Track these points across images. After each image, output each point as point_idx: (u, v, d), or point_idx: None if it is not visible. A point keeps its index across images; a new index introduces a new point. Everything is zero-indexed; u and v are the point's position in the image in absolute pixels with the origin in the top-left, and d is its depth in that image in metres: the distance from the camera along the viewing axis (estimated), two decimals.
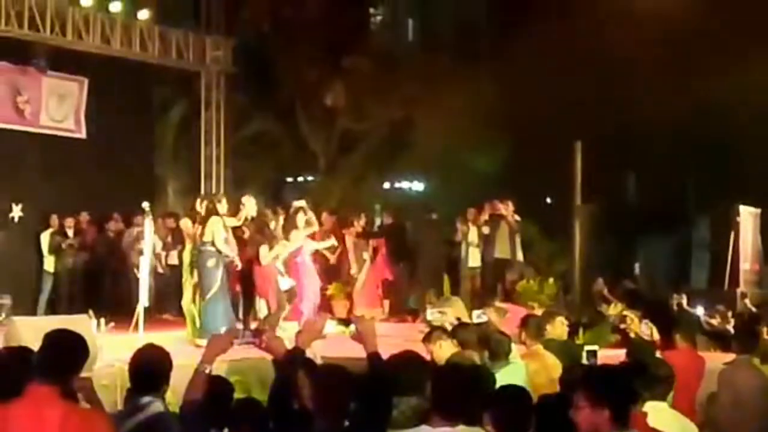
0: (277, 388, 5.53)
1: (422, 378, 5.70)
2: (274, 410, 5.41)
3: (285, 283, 14.77)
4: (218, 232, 13.80)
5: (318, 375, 5.29)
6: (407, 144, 24.62)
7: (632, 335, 10.15)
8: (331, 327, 14.25)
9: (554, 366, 8.43)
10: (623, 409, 4.77)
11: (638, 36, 19.10)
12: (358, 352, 6.09)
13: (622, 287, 18.66)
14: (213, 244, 13.79)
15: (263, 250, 14.30)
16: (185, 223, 14.66)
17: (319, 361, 6.45)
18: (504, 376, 7.61)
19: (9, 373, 5.60)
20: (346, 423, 5.14)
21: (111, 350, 12.04)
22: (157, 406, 5.61)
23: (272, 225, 14.90)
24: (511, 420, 5.03)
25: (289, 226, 15.23)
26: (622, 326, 10.33)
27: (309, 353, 6.00)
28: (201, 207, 14.45)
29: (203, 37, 20.66)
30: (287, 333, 14.48)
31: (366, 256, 17.87)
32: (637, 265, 22.40)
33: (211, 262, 13.77)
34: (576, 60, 19.96)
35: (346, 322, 15.41)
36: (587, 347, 8.58)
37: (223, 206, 14.21)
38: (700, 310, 16.41)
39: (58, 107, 19.10)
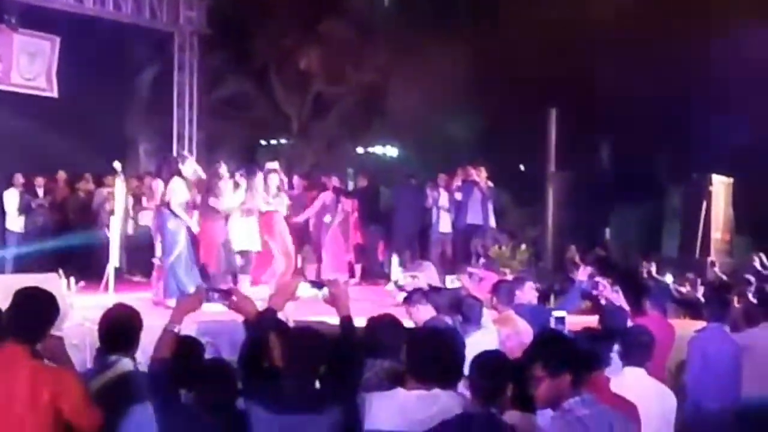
0: (248, 348, 5.50)
1: (399, 341, 5.70)
2: (244, 370, 5.38)
3: (243, 243, 14.66)
4: (177, 193, 13.68)
5: (289, 336, 5.27)
6: (381, 109, 24.56)
7: (603, 302, 10.16)
8: (304, 290, 14.16)
9: (526, 331, 8.46)
10: (582, 374, 4.78)
11: (614, 3, 19.08)
12: (331, 315, 6.07)
13: (593, 254, 18.74)
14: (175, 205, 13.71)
15: (212, 200, 14.12)
16: (155, 184, 14.51)
17: (291, 324, 6.44)
18: (476, 341, 7.64)
19: None
20: (317, 385, 5.12)
21: (81, 310, 11.99)
22: (126, 365, 5.59)
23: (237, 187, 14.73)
24: (489, 385, 5.02)
25: (265, 188, 15.18)
26: (594, 293, 10.31)
27: (281, 316, 5.97)
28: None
29: None
30: (258, 295, 14.54)
31: (329, 219, 17.72)
32: (607, 231, 22.51)
33: (172, 224, 13.65)
34: (552, 28, 19.92)
35: (319, 284, 15.35)
36: (555, 313, 8.60)
37: (187, 167, 14.08)
38: (669, 278, 16.50)
39: (30, 65, 18.92)
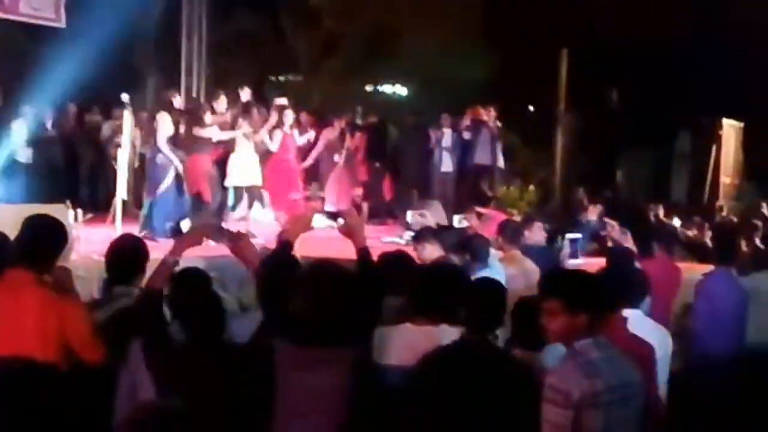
0: (267, 282, 5.42)
1: (409, 277, 5.70)
2: (265, 305, 5.34)
3: (241, 179, 14.67)
4: (163, 127, 13.67)
5: (311, 269, 5.20)
6: (391, 48, 24.41)
7: (610, 243, 10.15)
8: (319, 221, 14.21)
9: (532, 271, 8.45)
10: (599, 316, 4.73)
11: None
12: (339, 251, 6.04)
13: (601, 196, 18.68)
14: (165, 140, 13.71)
15: (196, 129, 14.04)
16: (161, 117, 14.40)
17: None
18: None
19: None
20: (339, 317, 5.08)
21: (87, 242, 12.03)
22: (132, 294, 5.59)
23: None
24: (483, 312, 5.02)
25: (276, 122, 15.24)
26: (602, 233, 10.30)
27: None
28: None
29: None
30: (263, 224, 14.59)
31: (337, 157, 17.72)
32: (618, 173, 22.42)
33: (160, 158, 13.65)
34: None
35: (334, 215, 15.39)
36: (569, 236, 8.58)
37: (177, 101, 14.05)
38: (677, 222, 16.46)
39: None
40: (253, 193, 14.88)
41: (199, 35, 20.79)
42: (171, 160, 13.68)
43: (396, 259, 6.23)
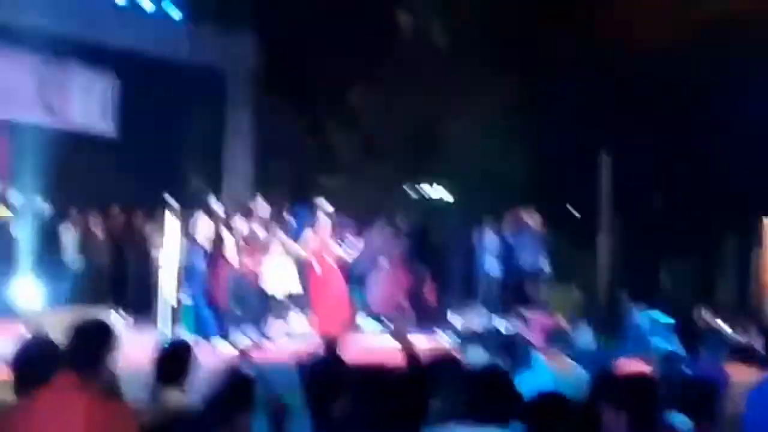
0: (313, 386, 5.41)
1: (456, 379, 5.67)
2: (312, 408, 5.33)
3: (278, 286, 14.76)
4: (200, 230, 13.82)
5: (358, 375, 5.19)
6: (433, 149, 24.55)
7: (658, 347, 10.08)
8: (367, 324, 14.33)
9: (581, 375, 8.38)
10: (642, 415, 4.70)
11: (668, 46, 18.94)
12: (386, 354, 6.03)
13: (647, 300, 18.53)
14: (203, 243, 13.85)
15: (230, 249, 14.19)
16: (198, 219, 14.55)
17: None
18: (526, 382, 7.59)
19: (33, 363, 5.58)
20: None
21: (134, 345, 12.05)
22: (179, 397, 5.59)
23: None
24: (548, 427, 4.99)
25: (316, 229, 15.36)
26: (648, 337, 10.23)
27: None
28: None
29: (232, 36, 20.68)
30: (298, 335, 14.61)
31: (380, 260, 17.79)
32: (663, 278, 22.25)
33: (199, 262, 13.80)
34: (608, 68, 19.83)
35: (379, 319, 15.48)
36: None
37: (216, 205, 14.23)
38: (724, 325, 16.26)
39: (87, 104, 19.15)
40: (291, 301, 14.96)
41: (242, 137, 21.09)
42: (209, 263, 13.79)
43: (443, 362, 6.23)
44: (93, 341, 5.28)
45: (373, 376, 5.01)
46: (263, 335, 14.57)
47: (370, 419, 4.84)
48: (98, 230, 18.03)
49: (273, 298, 14.89)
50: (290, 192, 23.04)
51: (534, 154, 21.54)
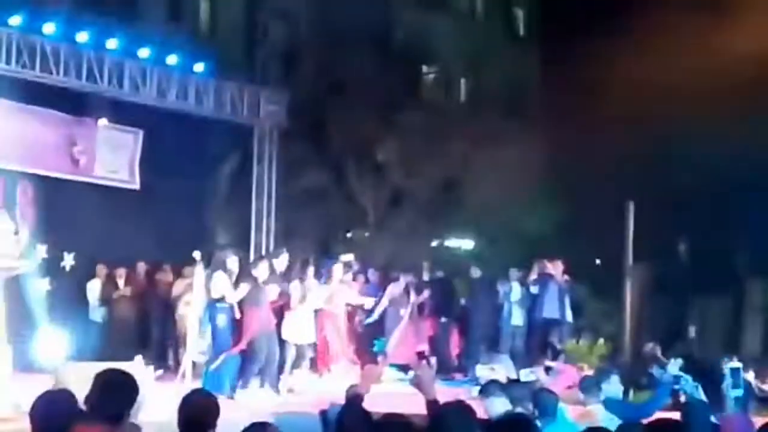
0: None
1: (470, 428, 5.65)
2: None
3: (295, 336, 14.82)
4: (217, 286, 13.87)
5: (379, 426, 5.19)
6: (457, 201, 24.61)
7: (683, 398, 10.00)
8: (390, 374, 14.34)
9: (608, 424, 8.33)
10: None
11: (692, 96, 18.98)
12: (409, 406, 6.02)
13: (674, 350, 18.43)
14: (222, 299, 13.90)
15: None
16: (216, 276, 14.57)
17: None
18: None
19: (51, 416, 5.59)
20: None
21: (158, 399, 12.06)
22: None
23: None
24: None
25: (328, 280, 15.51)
26: (676, 387, 10.14)
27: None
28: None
29: (258, 90, 20.82)
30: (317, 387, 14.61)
31: (403, 312, 17.79)
32: (691, 328, 22.13)
33: (219, 318, 13.85)
34: (628, 119, 19.89)
35: (404, 368, 15.48)
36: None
37: (233, 261, 14.27)
38: (751, 375, 16.14)
39: (113, 158, 19.28)
40: (305, 351, 15.02)
41: (268, 192, 21.16)
42: (227, 319, 13.84)
43: (454, 409, 6.18)
44: (116, 393, 5.28)
45: (395, 426, 5.01)
46: (285, 387, 14.59)
47: None
48: (123, 285, 18.09)
49: (293, 349, 14.90)
50: (316, 246, 23.16)
51: (559, 205, 21.56)
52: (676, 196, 20.25)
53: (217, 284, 13.90)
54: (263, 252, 20.10)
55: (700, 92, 18.77)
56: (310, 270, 15.65)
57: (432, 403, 5.48)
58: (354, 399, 5.69)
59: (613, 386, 9.77)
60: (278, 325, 14.78)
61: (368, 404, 5.92)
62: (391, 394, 8.32)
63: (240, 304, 14.09)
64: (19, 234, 11.45)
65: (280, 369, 14.70)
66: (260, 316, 14.17)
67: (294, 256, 16.33)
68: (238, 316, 14.12)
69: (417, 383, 5.69)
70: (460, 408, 6.15)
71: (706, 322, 22.50)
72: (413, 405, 6.02)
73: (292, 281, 15.20)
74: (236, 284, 14.11)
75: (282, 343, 14.77)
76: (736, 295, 22.30)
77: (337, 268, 16.02)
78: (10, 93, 17.08)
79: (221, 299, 13.89)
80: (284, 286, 14.94)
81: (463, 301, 19.47)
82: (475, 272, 19.72)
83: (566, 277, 18.26)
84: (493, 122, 23.72)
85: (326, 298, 15.70)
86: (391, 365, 15.92)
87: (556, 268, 18.24)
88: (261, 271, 14.34)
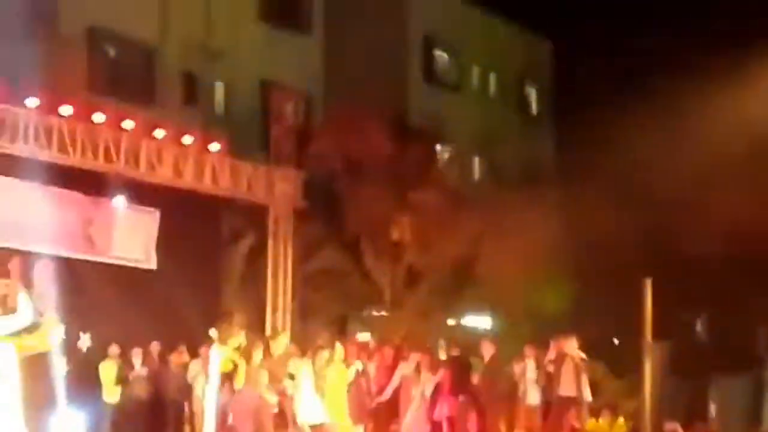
0: None
1: None
2: None
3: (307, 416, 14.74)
4: (214, 364, 13.88)
5: None
6: (473, 280, 24.55)
7: None
8: None
9: None
10: None
11: (706, 172, 19.01)
12: None
13: (694, 428, 18.26)
14: None
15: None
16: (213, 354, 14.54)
17: None
18: None
19: None
20: None
21: None
22: None
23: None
24: None
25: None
26: None
27: None
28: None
29: (273, 170, 20.89)
30: None
31: (414, 391, 17.66)
32: (712, 406, 21.92)
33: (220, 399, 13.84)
34: (644, 196, 19.91)
35: None
36: None
37: (239, 338, 14.27)
38: None
39: (129, 238, 19.32)
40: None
41: (284, 271, 21.14)
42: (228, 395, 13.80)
43: None
44: None
45: None
46: None
47: None
48: (140, 365, 18.00)
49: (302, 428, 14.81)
50: (333, 325, 23.10)
51: (575, 282, 21.49)
52: (693, 272, 20.17)
53: (213, 361, 13.91)
54: (279, 330, 20.07)
55: (715, 164, 18.77)
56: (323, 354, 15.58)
57: None
58: None
59: None
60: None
61: None
62: None
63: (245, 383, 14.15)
64: (43, 314, 11.40)
65: None
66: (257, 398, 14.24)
67: (310, 336, 16.28)
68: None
69: None
70: None
71: (726, 400, 22.28)
72: None
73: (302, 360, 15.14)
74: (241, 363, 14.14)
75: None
76: (756, 372, 22.07)
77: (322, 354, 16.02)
78: (29, 173, 17.16)
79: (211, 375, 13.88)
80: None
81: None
82: (488, 347, 19.57)
83: (582, 354, 18.11)
84: (507, 200, 23.73)
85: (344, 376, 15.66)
86: None
87: (570, 345, 18.10)
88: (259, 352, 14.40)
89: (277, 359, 15.02)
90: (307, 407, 14.85)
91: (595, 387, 18.85)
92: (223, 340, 14.35)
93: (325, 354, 15.61)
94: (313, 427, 14.86)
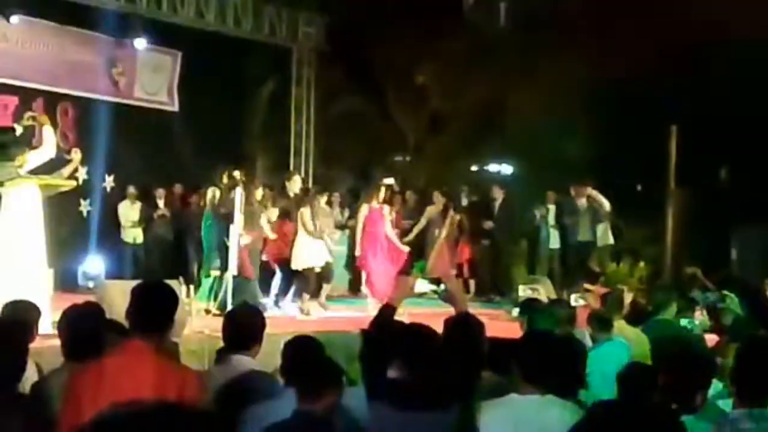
0: (370, 347, 5.43)
1: (480, 342, 5.69)
2: (367, 370, 5.32)
3: (317, 259, 14.84)
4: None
5: (410, 335, 5.18)
6: (497, 126, 24.41)
7: (727, 318, 9.90)
8: (421, 286, 14.43)
9: (638, 341, 8.36)
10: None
11: (739, 17, 18.60)
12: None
13: (717, 274, 18.30)
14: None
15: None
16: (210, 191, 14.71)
17: (406, 319, 6.41)
18: (606, 351, 7.60)
19: (80, 329, 5.63)
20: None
21: (199, 318, 12.18)
22: (249, 362, 5.60)
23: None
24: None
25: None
26: (719, 306, 10.05)
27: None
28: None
29: (297, 13, 20.70)
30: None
31: (437, 233, 17.83)
32: (733, 251, 21.95)
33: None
34: (675, 42, 19.56)
35: (436, 281, 15.55)
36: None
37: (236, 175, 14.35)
38: None
39: (152, 80, 19.28)
40: (324, 275, 15.07)
41: (307, 116, 21.13)
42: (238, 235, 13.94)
43: (461, 323, 6.12)
44: (156, 301, 5.25)
45: (420, 337, 5.01)
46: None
47: (418, 380, 4.84)
48: (163, 205, 18.15)
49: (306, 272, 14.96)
50: (356, 170, 23.13)
51: (599, 128, 21.33)
52: (719, 120, 19.96)
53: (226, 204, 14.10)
54: (302, 175, 20.16)
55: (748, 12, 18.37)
56: (333, 197, 15.71)
57: (462, 315, 5.49)
58: (385, 310, 5.71)
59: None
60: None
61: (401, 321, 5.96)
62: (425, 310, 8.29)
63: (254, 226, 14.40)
64: (70, 154, 11.47)
65: (293, 291, 14.86)
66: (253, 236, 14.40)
67: (334, 180, 16.36)
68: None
69: (446, 296, 5.73)
70: (469, 321, 6.13)
71: (747, 246, 22.29)
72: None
73: (307, 205, 15.20)
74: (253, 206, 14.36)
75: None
76: None
77: (379, 191, 16.03)
78: (50, 13, 17.07)
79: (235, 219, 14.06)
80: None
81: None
82: (514, 196, 19.63)
83: (604, 200, 18.15)
84: (534, 46, 23.39)
85: (363, 218, 15.75)
86: (427, 280, 16.06)
87: (595, 192, 18.15)
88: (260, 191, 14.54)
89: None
90: (307, 252, 14.96)
91: (618, 232, 18.92)
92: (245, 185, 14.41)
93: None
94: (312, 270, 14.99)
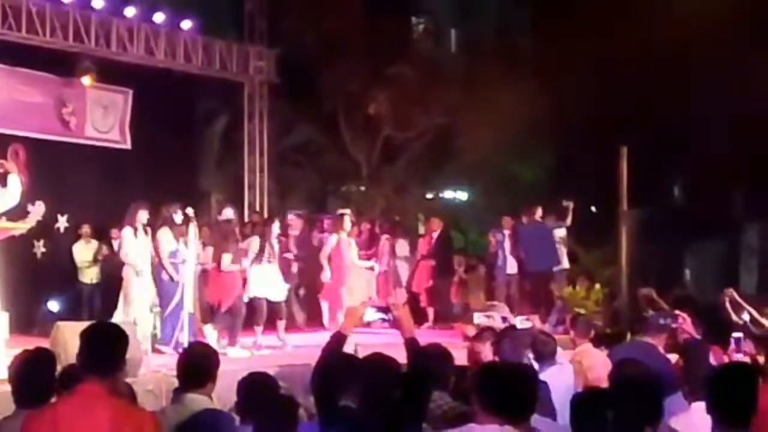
0: (322, 378, 5.44)
1: (448, 371, 5.70)
2: (320, 402, 5.33)
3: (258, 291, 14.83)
4: (163, 243, 13.83)
5: (363, 366, 5.22)
6: (450, 152, 24.53)
7: (682, 337, 9.96)
8: (370, 314, 14.54)
9: (604, 363, 8.40)
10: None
11: (685, 37, 18.82)
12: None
13: (672, 293, 18.45)
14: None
15: (225, 258, 14.33)
16: (161, 233, 14.32)
17: (351, 349, 6.45)
18: (550, 377, 7.60)
19: (30, 374, 5.62)
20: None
21: (155, 357, 12.11)
22: (203, 401, 5.59)
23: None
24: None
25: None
26: (674, 325, 10.08)
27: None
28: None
29: (247, 47, 20.74)
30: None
31: (391, 260, 18.09)
32: (687, 272, 22.19)
33: (164, 275, 13.81)
34: (620, 64, 19.78)
35: (384, 309, 15.66)
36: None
37: (178, 216, 14.16)
38: (747, 316, 16.13)
39: (103, 118, 19.18)
40: (276, 309, 15.02)
41: (260, 149, 21.14)
42: (173, 276, 13.77)
43: (434, 352, 6.17)
44: (106, 342, 5.22)
45: (374, 367, 5.04)
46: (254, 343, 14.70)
47: (370, 411, 4.85)
48: (116, 246, 18.02)
49: (260, 304, 14.88)
50: (311, 201, 23.14)
51: (550, 151, 21.52)
52: (670, 138, 20.19)
53: (163, 241, 13.91)
54: (257, 209, 20.16)
55: (697, 27, 18.56)
56: (274, 226, 15.64)
57: (410, 341, 5.54)
58: (336, 340, 5.74)
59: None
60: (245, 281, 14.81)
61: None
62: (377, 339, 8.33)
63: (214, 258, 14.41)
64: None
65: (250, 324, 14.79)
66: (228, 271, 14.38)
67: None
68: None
69: (394, 323, 5.80)
70: (439, 352, 6.17)
71: (702, 265, 22.54)
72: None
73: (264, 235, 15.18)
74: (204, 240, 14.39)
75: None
76: (732, 236, 22.29)
77: (343, 221, 16.19)
78: None
79: (164, 257, 13.91)
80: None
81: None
82: (469, 222, 19.69)
83: (560, 223, 18.28)
84: (484, 71, 23.54)
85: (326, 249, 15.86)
86: (376, 309, 16.20)
87: (548, 215, 18.30)
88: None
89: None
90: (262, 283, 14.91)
91: (573, 255, 19.05)
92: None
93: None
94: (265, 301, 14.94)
